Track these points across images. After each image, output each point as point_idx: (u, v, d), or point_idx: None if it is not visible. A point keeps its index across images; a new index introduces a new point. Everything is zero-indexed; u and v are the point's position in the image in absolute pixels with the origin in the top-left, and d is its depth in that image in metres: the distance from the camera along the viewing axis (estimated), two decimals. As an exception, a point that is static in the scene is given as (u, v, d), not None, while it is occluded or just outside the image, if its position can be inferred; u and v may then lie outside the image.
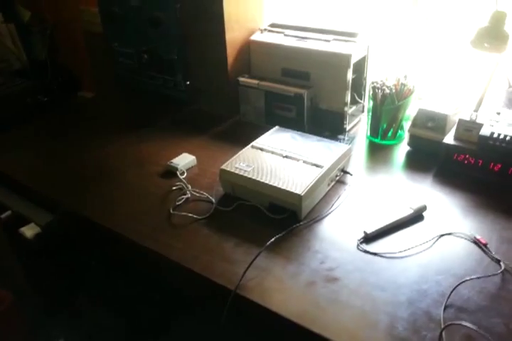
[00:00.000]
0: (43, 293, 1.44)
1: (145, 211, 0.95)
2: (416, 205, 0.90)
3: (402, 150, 1.15)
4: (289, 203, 0.90)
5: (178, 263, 0.82)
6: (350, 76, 1.13)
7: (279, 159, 0.97)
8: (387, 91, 1.10)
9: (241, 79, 1.25)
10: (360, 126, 1.28)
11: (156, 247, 0.85)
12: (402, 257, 0.81)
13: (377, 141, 1.18)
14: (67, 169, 1.12)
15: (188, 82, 1.38)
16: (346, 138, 1.19)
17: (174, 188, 1.01)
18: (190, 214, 0.92)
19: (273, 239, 0.84)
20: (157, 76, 1.44)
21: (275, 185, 0.89)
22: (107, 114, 1.42)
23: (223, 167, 0.96)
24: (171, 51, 1.34)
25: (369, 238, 0.85)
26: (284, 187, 0.88)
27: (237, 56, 1.26)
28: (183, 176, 1.05)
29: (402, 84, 1.12)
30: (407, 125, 1.17)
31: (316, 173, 0.91)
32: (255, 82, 1.22)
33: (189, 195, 0.98)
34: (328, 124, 1.23)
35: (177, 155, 1.11)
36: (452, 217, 0.90)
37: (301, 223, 0.89)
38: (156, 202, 0.98)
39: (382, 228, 0.86)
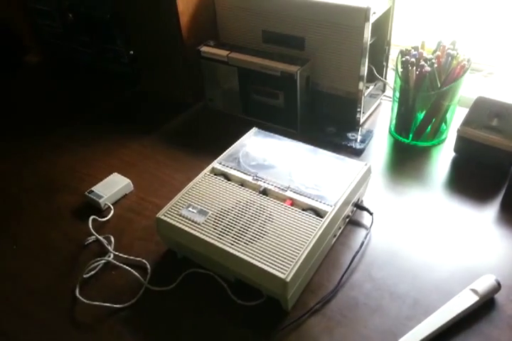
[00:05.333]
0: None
1: (39, 291, 0.59)
2: (482, 283, 0.54)
3: (444, 156, 0.76)
4: (267, 289, 0.53)
5: None
6: (367, 38, 0.71)
7: (253, 197, 0.59)
8: (427, 68, 0.69)
9: (203, 48, 0.83)
10: (380, 114, 0.87)
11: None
12: None
13: (407, 141, 0.79)
14: None
15: (132, 52, 0.96)
16: (359, 139, 0.80)
17: (88, 242, 0.65)
18: (104, 303, 0.56)
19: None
20: (91, 43, 1.01)
21: (241, 256, 0.52)
22: (14, 101, 1.02)
23: (160, 215, 0.58)
24: (102, 7, 0.91)
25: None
26: (256, 263, 0.51)
27: (194, 12, 0.83)
28: (108, 216, 0.68)
29: (448, 55, 0.70)
30: (454, 119, 0.77)
31: (312, 231, 0.54)
32: (223, 53, 0.80)
33: (110, 258, 0.61)
34: (332, 115, 0.83)
35: (105, 176, 0.73)
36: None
37: (286, 326, 0.53)
38: (59, 271, 0.61)
39: (428, 337, 0.50)
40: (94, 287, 0.59)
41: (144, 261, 0.61)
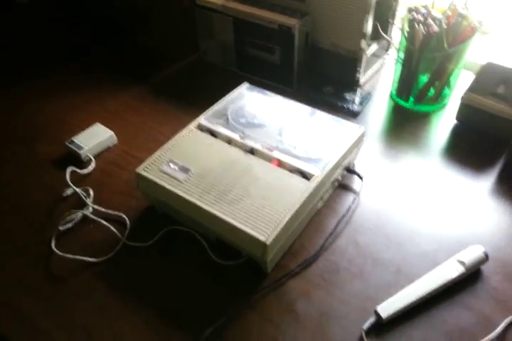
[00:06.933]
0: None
1: (14, 243, 0.57)
2: (469, 253, 0.52)
3: (444, 123, 0.73)
4: (246, 250, 0.52)
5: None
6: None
7: (239, 156, 0.56)
8: (435, 28, 0.64)
9: (198, -6, 0.77)
10: (382, 75, 0.83)
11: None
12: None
13: (408, 105, 0.75)
14: None
15: (124, -5, 0.90)
16: (358, 100, 0.76)
17: (67, 194, 0.62)
18: (79, 257, 0.54)
19: (211, 329, 0.48)
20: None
21: (222, 216, 0.50)
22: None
23: (140, 170, 0.55)
24: None
25: (383, 323, 0.48)
26: (237, 224, 0.49)
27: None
28: (88, 169, 0.65)
29: (459, 15, 0.65)
30: (457, 84, 0.73)
31: (297, 194, 0.51)
32: (219, 1, 0.75)
33: (89, 211, 0.59)
34: (331, 74, 0.79)
35: (88, 126, 0.70)
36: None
37: (264, 287, 0.52)
38: (36, 223, 0.59)
39: (408, 305, 0.49)
40: (70, 240, 0.57)
41: (123, 216, 0.59)
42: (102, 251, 0.55)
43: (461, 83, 0.73)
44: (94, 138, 0.67)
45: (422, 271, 0.52)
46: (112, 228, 0.55)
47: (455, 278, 0.50)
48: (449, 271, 0.51)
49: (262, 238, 0.47)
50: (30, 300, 0.51)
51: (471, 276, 0.52)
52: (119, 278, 0.53)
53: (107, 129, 0.69)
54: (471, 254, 0.52)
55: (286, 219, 0.49)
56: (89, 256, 0.54)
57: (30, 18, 1.02)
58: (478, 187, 0.62)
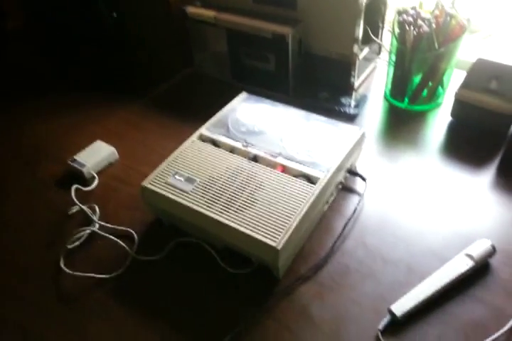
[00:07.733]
0: None
1: (23, 264, 0.57)
2: (477, 247, 0.53)
3: (440, 121, 0.74)
4: (258, 257, 0.52)
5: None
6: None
7: (243, 164, 0.57)
8: (425, 28, 0.66)
9: (190, 9, 0.78)
10: (375, 78, 0.84)
11: None
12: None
13: (403, 105, 0.76)
14: None
15: (115, 14, 0.91)
16: (353, 104, 0.77)
17: (72, 212, 0.62)
18: (90, 274, 0.54)
19: (228, 338, 0.48)
20: (70, 5, 0.95)
21: (231, 224, 0.50)
22: None
23: (145, 183, 0.56)
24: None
25: (399, 323, 0.49)
26: (247, 231, 0.49)
27: (179, -31, 0.78)
28: (92, 186, 0.65)
29: (447, 14, 0.67)
30: (450, 82, 0.75)
31: (304, 198, 0.52)
32: (211, 13, 0.76)
33: (96, 228, 0.59)
34: (325, 79, 0.80)
35: (88, 144, 0.70)
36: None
37: (277, 293, 0.52)
38: (43, 243, 0.59)
39: (421, 302, 0.49)
40: (79, 258, 0.57)
41: (130, 230, 0.59)
42: (112, 267, 0.55)
43: (454, 82, 0.74)
44: (96, 155, 0.68)
45: (431, 269, 0.52)
46: (122, 243, 0.56)
47: (465, 272, 0.51)
48: (459, 265, 0.51)
49: (273, 243, 0.47)
50: (42, 321, 0.51)
51: (481, 270, 0.52)
52: (131, 294, 0.53)
53: (108, 146, 0.70)
54: (479, 248, 0.52)
55: (296, 223, 0.49)
56: (100, 273, 0.54)
57: (22, 41, 1.03)
58: (479, 182, 0.63)
